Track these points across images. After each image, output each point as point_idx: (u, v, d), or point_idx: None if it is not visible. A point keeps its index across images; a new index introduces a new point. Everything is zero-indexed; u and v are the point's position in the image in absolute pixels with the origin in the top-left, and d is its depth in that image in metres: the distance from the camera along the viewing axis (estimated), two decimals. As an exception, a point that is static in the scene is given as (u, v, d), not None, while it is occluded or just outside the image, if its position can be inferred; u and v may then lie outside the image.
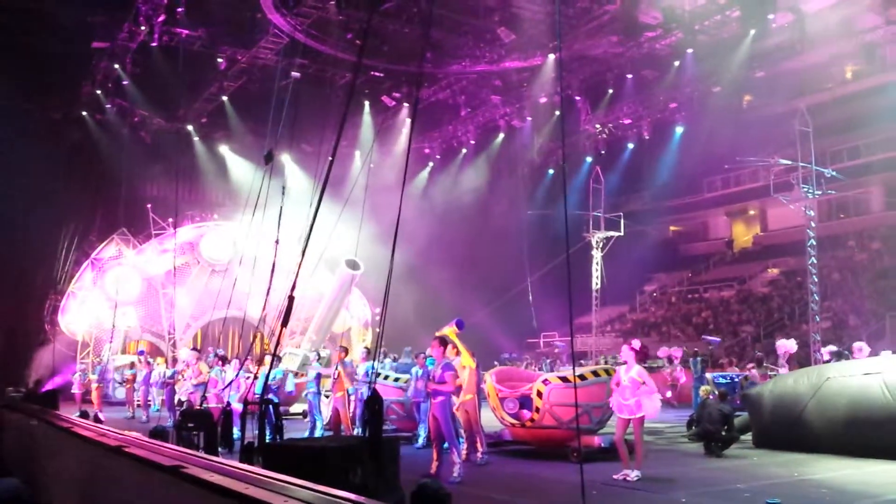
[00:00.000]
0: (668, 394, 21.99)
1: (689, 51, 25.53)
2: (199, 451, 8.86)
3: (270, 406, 10.55)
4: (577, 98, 29.77)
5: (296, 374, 17.98)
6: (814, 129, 22.31)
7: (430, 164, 34.37)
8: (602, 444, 11.07)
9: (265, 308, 8.55)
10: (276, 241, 9.01)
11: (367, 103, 28.88)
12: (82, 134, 27.86)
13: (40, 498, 5.93)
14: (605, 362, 21.62)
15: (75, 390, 21.06)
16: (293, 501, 2.39)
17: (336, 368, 13.31)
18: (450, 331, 11.35)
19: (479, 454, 11.10)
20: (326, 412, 13.98)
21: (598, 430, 11.91)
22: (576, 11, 23.77)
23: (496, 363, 20.79)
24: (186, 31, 23.69)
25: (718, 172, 37.33)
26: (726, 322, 31.26)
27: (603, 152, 32.59)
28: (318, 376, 14.21)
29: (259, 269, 10.55)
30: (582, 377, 11.64)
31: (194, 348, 19.61)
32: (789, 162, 23.06)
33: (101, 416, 16.77)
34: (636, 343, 10.01)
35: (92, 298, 25.16)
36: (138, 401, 19.86)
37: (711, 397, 13.47)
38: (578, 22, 24.30)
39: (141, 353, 21.40)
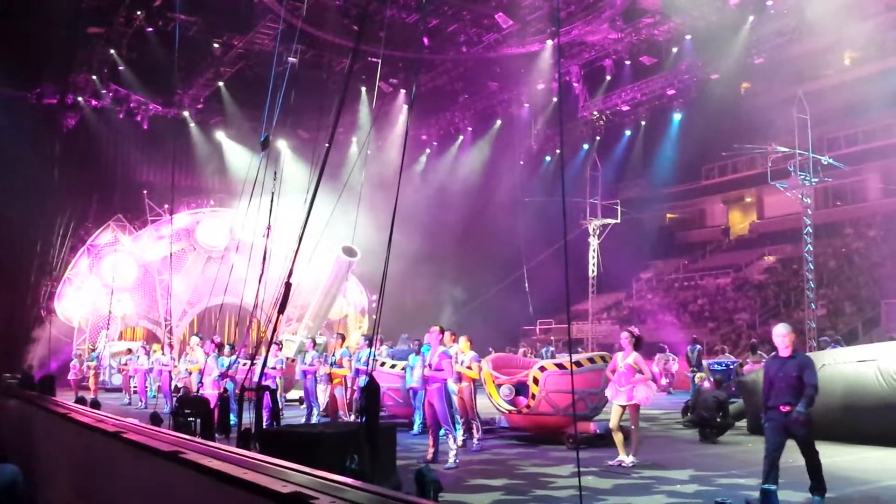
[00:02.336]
0: (664, 381, 22.11)
1: (688, 37, 25.48)
2: (195, 437, 8.89)
3: (267, 392, 10.57)
4: (575, 85, 29.70)
5: (292, 361, 17.99)
6: (812, 117, 22.29)
7: (428, 150, 34.30)
8: (598, 431, 11.12)
9: (259, 295, 8.54)
10: (268, 227, 9.00)
11: (363, 89, 28.79)
12: (78, 120, 27.74)
13: (38, 484, 5.94)
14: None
15: (71, 376, 21.09)
16: (292, 486, 2.40)
17: (336, 355, 13.36)
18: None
19: (475, 441, 11.15)
20: (323, 398, 14.03)
21: (593, 416, 11.95)
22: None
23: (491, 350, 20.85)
24: (182, 16, 23.55)
25: (716, 160, 37.31)
26: (722, 309, 31.32)
27: (599, 139, 32.58)
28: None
29: (256, 255, 10.54)
30: (578, 364, 11.70)
31: (196, 334, 19.66)
32: (787, 149, 23.06)
33: (99, 401, 16.79)
34: (635, 330, 10.03)
35: (88, 285, 25.16)
36: (135, 387, 19.87)
37: (708, 383, 13.54)
38: (576, 8, 24.22)
39: (145, 348, 21.23)
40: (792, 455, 10.15)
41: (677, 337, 25.28)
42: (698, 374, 17.14)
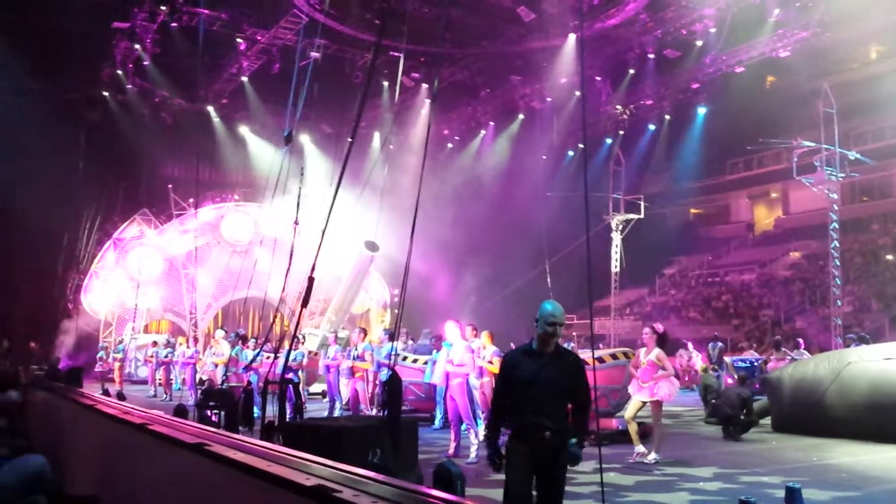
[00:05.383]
0: (686, 378, 21.99)
1: (712, 30, 25.22)
2: (219, 429, 8.97)
3: (290, 386, 10.65)
4: (598, 78, 29.50)
5: (314, 355, 18.07)
6: (838, 111, 22.01)
7: (449, 145, 34.27)
8: (620, 427, 11.10)
9: (284, 289, 8.61)
10: (296, 223, 9.05)
11: (385, 84, 28.82)
12: (103, 114, 28.00)
13: (65, 474, 6.02)
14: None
15: (98, 369, 21.34)
16: (315, 479, 2.42)
17: (358, 349, 13.44)
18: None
19: (496, 435, 11.13)
20: (345, 392, 14.10)
21: (616, 413, 11.92)
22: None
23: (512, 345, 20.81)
24: (206, 11, 23.70)
25: (741, 154, 36.95)
26: (747, 306, 31.06)
27: (622, 133, 32.33)
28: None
29: (279, 249, 10.61)
30: (600, 360, 11.67)
31: (221, 327, 19.83)
32: (812, 144, 22.80)
33: (123, 393, 16.98)
34: (659, 326, 9.97)
35: (114, 278, 25.43)
36: (160, 379, 20.09)
37: (731, 380, 13.48)
38: (600, 1, 24.07)
39: (169, 342, 21.29)
40: (816, 453, 10.10)
41: (701, 333, 25.11)
42: (707, 371, 17.06)
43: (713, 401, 14.43)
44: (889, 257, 29.17)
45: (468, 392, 9.77)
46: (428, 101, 29.13)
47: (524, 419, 4.50)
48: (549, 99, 30.66)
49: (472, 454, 9.37)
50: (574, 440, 4.46)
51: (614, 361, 11.79)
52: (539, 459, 4.43)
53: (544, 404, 4.47)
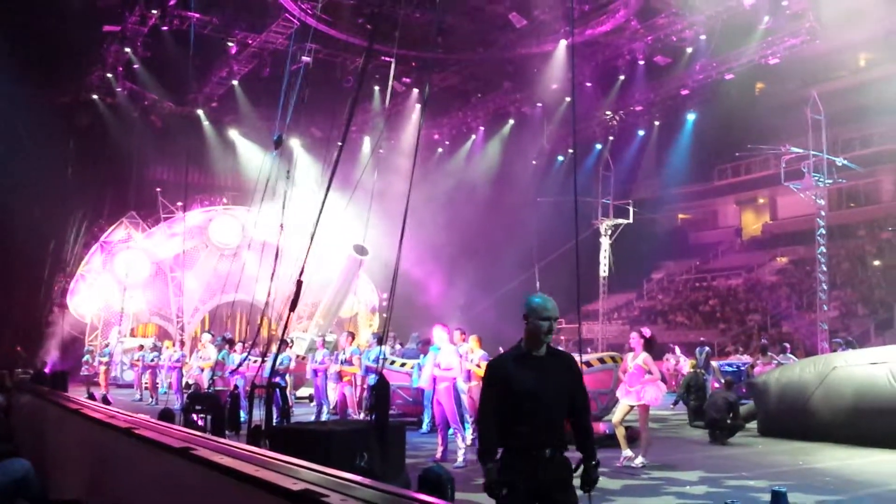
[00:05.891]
0: (674, 382, 22.04)
1: (702, 37, 25.36)
2: (206, 433, 8.93)
3: (277, 390, 10.62)
4: (589, 84, 29.61)
5: (302, 359, 18.03)
6: (826, 118, 22.16)
7: (440, 149, 34.28)
8: (607, 431, 11.11)
9: (270, 293, 8.60)
10: (281, 226, 9.05)
11: (376, 88, 28.82)
12: (93, 118, 27.86)
13: (49, 478, 5.99)
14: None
15: (83, 372, 21.22)
16: (302, 483, 2.41)
17: (346, 353, 13.42)
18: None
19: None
20: (333, 396, 14.07)
21: (603, 416, 11.94)
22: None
23: (501, 349, 20.79)
24: (197, 15, 23.65)
25: (729, 160, 37.17)
26: (734, 310, 31.19)
27: (612, 138, 32.42)
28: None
29: (268, 253, 10.60)
30: (588, 364, 11.70)
31: (207, 331, 19.76)
32: (800, 150, 22.96)
33: (108, 397, 16.88)
34: (646, 331, 10.01)
35: (101, 281, 25.30)
36: (146, 383, 19.97)
37: (718, 384, 13.53)
38: (591, 7, 24.17)
39: (156, 346, 21.20)
40: (802, 457, 10.15)
41: (688, 338, 25.20)
42: (690, 361, 17.12)
43: (692, 401, 14.41)
44: (875, 263, 29.37)
45: (455, 396, 9.77)
46: (419, 106, 29.16)
47: (527, 436, 3.83)
48: (539, 104, 30.75)
49: (460, 458, 9.37)
50: (593, 461, 3.92)
51: (602, 365, 11.84)
52: (540, 478, 3.81)
53: (550, 417, 3.87)
